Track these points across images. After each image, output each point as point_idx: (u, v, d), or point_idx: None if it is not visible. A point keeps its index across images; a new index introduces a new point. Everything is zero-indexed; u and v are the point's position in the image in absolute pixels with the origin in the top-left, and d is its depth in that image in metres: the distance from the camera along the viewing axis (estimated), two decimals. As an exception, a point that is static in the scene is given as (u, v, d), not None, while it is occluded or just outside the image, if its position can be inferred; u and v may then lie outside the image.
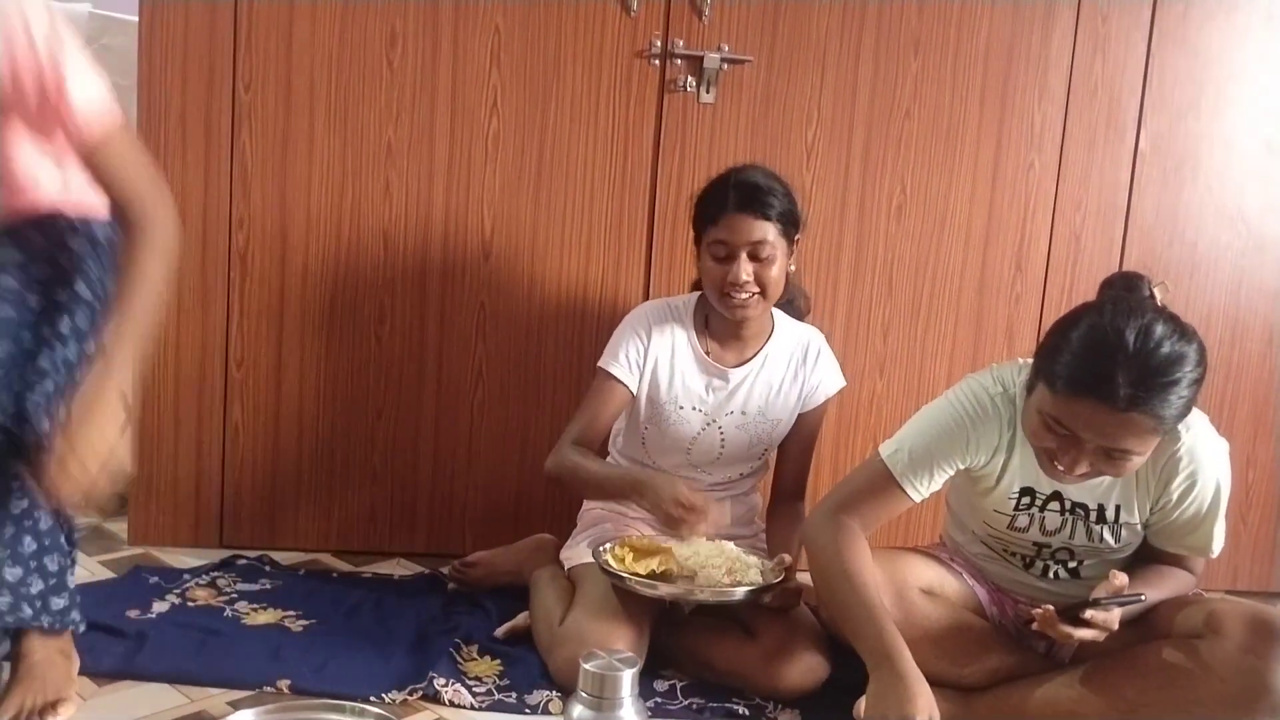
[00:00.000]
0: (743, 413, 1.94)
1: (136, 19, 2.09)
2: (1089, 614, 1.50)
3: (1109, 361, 1.41)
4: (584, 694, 1.35)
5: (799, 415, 1.98)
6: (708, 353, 1.93)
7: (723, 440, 1.95)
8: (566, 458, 1.88)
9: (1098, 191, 2.34)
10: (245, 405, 2.22)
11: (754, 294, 1.82)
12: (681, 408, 1.93)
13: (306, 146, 2.15)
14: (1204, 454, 1.60)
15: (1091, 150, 2.33)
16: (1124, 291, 1.55)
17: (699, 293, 1.97)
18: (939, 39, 2.25)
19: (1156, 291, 1.55)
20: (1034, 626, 1.55)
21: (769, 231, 1.81)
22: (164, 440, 2.19)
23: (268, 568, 2.14)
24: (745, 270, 1.80)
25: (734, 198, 1.81)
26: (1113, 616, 1.52)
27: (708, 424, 1.94)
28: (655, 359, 1.92)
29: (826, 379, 1.99)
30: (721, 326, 1.93)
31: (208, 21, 2.08)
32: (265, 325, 2.20)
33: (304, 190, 2.16)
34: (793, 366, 1.96)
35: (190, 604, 1.93)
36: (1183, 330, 1.46)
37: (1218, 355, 2.40)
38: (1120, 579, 1.55)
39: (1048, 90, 2.30)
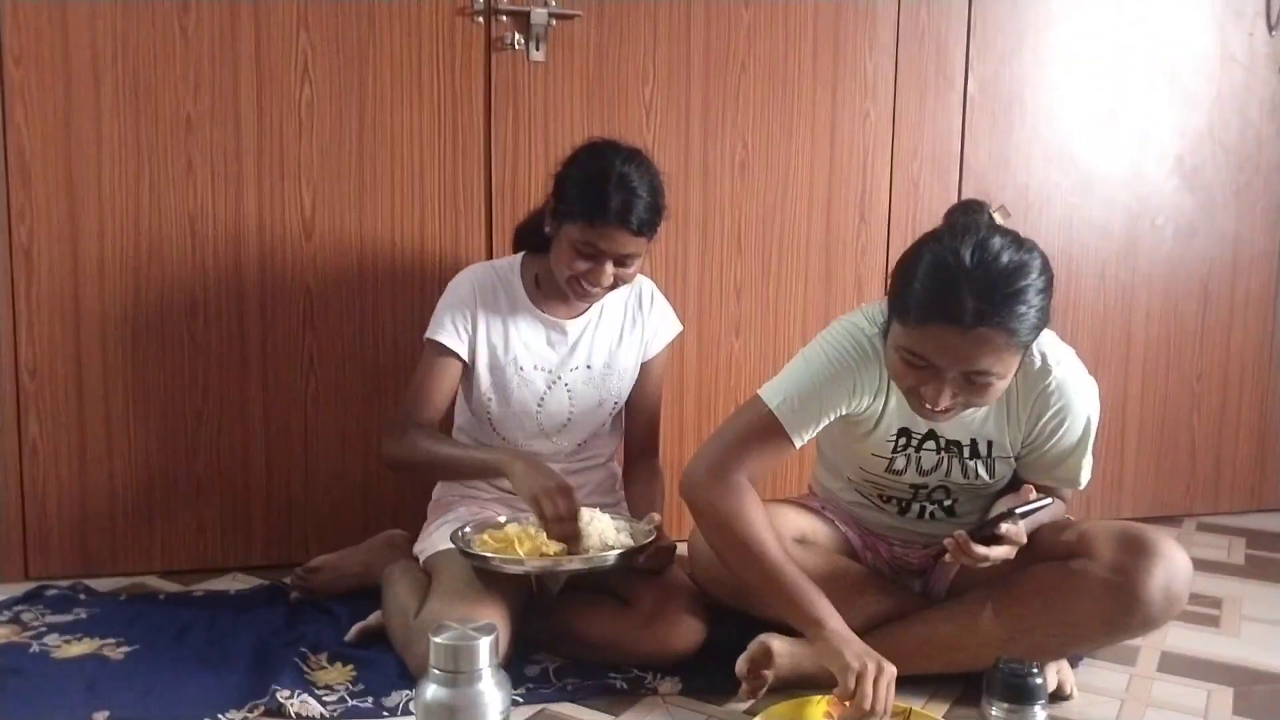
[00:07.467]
0: (588, 367, 1.86)
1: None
2: (1003, 528, 1.47)
3: (951, 283, 1.39)
4: (436, 671, 1.20)
5: (642, 365, 1.92)
6: (542, 309, 1.84)
7: (571, 399, 1.85)
8: (412, 441, 1.75)
9: (932, 138, 2.35)
10: (43, 419, 1.98)
11: (609, 290, 1.77)
12: (523, 369, 1.83)
13: (94, 125, 1.93)
14: (1074, 388, 1.60)
15: (923, 98, 2.34)
16: (962, 217, 1.52)
17: (523, 253, 1.88)
18: (768, -10, 2.21)
19: (996, 215, 1.54)
20: (946, 557, 1.51)
21: (640, 245, 1.74)
22: (-54, 465, 1.93)
23: (82, 596, 1.91)
24: (609, 275, 1.73)
25: (615, 206, 1.68)
26: (1021, 530, 1.50)
27: (553, 382, 1.85)
28: (486, 323, 1.82)
29: (664, 324, 1.94)
30: (554, 282, 1.83)
31: (-37, -14, 1.85)
32: (60, 328, 1.97)
33: (94, 174, 1.94)
34: (630, 313, 1.91)
35: (-12, 644, 1.70)
36: (1020, 242, 1.44)
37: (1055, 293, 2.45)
38: (1029, 490, 1.53)
39: (877, 40, 2.29)
